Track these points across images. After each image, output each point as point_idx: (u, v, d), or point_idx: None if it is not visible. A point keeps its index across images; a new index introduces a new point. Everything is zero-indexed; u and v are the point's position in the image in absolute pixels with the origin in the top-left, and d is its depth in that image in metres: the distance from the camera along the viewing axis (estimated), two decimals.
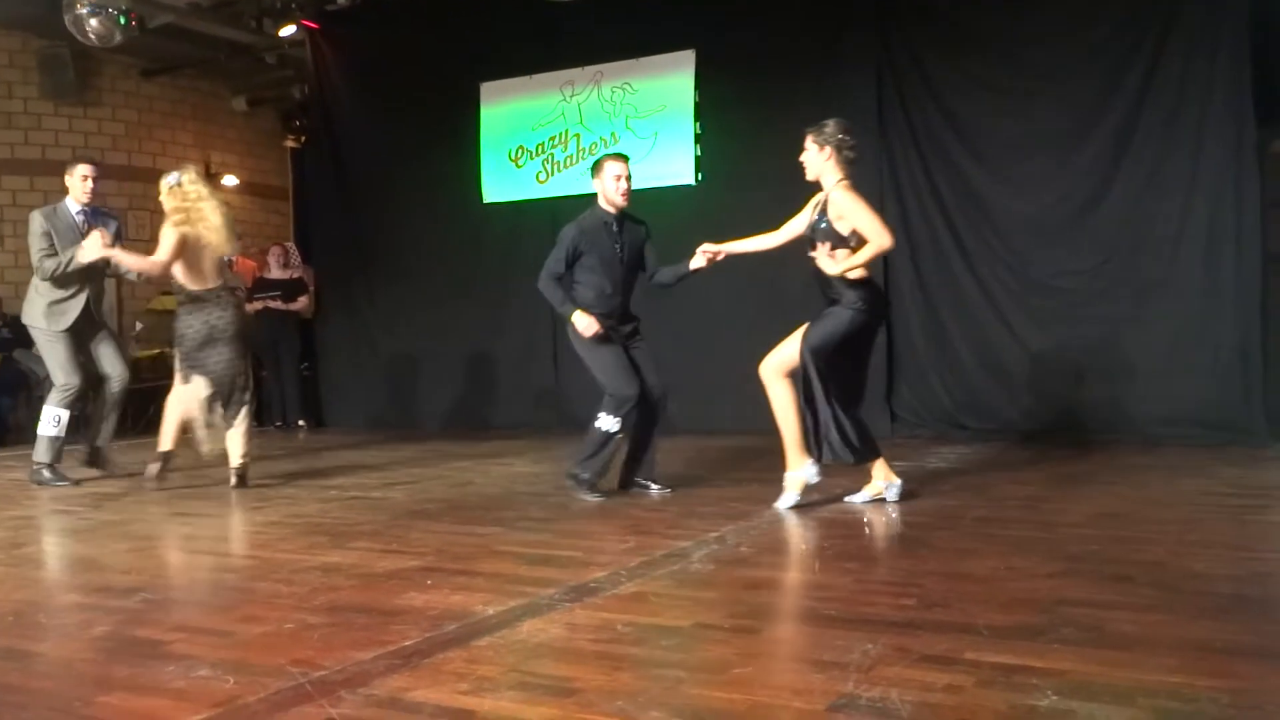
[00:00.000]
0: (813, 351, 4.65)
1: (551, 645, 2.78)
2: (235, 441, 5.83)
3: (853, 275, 4.65)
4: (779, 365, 4.79)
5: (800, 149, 4.81)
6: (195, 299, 5.82)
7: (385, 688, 2.43)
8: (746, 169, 8.26)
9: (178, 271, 5.81)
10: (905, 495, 4.87)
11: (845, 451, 4.64)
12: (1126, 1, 7.25)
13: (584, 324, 5.15)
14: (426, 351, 9.70)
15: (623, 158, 5.34)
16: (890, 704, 2.25)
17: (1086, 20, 7.33)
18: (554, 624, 2.95)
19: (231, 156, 11.72)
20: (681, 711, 2.24)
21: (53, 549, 4.39)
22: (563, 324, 5.43)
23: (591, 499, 5.15)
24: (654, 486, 5.35)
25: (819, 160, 4.74)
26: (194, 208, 5.78)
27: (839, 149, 4.69)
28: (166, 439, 5.88)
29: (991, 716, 2.17)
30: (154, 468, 5.89)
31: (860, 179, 7.20)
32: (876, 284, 4.82)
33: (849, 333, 4.69)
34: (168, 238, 5.77)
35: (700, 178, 8.48)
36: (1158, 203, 7.16)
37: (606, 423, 5.14)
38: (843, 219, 4.62)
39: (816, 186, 4.84)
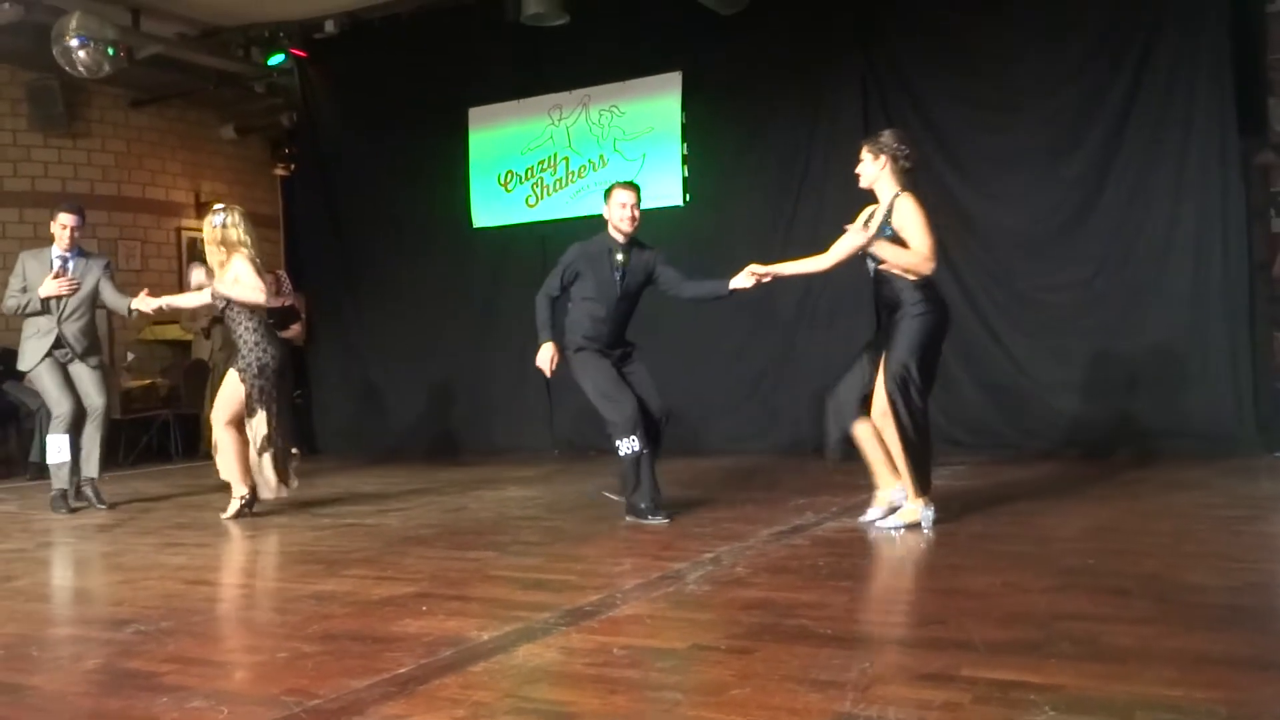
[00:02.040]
0: (899, 381, 4.48)
1: (547, 669, 2.77)
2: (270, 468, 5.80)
3: (912, 276, 4.55)
4: (881, 409, 4.65)
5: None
6: (261, 323, 5.81)
7: (380, 715, 2.42)
8: (734, 188, 8.30)
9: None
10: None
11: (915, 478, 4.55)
12: (1109, 15, 7.30)
13: (541, 357, 5.22)
14: (419, 377, 9.68)
15: (633, 186, 5.37)
16: None
17: (1070, 34, 7.38)
18: (549, 648, 2.93)
19: (221, 185, 11.72)
20: None
21: (45, 581, 4.36)
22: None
23: (659, 522, 5.00)
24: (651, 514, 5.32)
25: (874, 170, 4.70)
26: (238, 237, 5.78)
27: (895, 158, 4.67)
28: (238, 479, 5.77)
29: None
30: (236, 506, 5.77)
31: (849, 189, 7.24)
32: (935, 284, 4.67)
33: (924, 340, 4.53)
34: (244, 267, 5.70)
35: (689, 198, 8.51)
36: (1144, 215, 7.20)
37: (624, 446, 5.06)
38: (904, 229, 4.54)
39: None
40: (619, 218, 5.27)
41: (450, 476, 7.66)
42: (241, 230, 5.80)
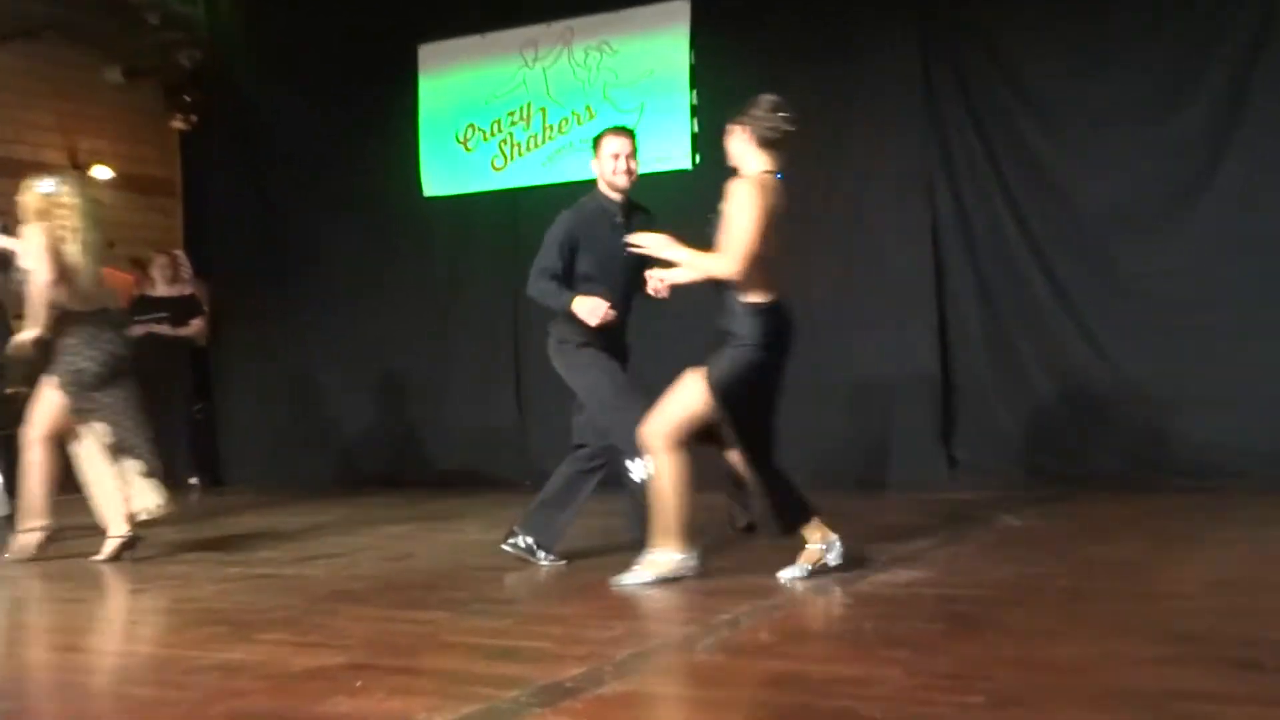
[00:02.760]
0: (723, 398, 4.56)
1: None
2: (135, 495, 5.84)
3: (752, 299, 4.57)
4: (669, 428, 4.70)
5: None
6: (81, 321, 5.82)
7: None
8: None
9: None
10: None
11: (775, 524, 4.69)
12: None
13: (588, 307, 5.05)
14: (355, 387, 9.69)
15: (626, 131, 5.40)
16: None
17: None
18: None
19: (103, 142, 11.68)
20: None
21: None
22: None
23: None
24: (544, 557, 5.32)
25: (738, 144, 4.71)
26: (60, 213, 5.83)
27: (754, 127, 4.66)
28: (38, 510, 5.84)
29: None
30: (30, 540, 5.85)
31: (905, 157, 7.23)
32: (782, 312, 4.67)
33: (751, 375, 4.60)
34: (38, 238, 5.74)
35: (698, 160, 8.51)
36: (1274, 184, 7.20)
37: (638, 469, 5.02)
38: (727, 216, 4.54)
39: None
40: (610, 170, 5.27)
41: (394, 514, 7.65)
42: (75, 206, 5.85)
